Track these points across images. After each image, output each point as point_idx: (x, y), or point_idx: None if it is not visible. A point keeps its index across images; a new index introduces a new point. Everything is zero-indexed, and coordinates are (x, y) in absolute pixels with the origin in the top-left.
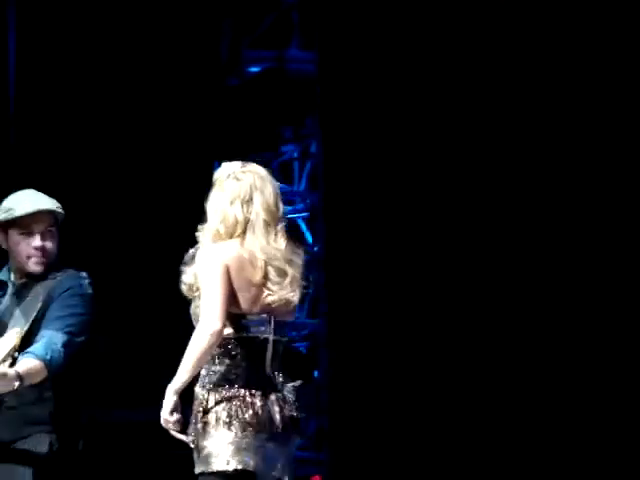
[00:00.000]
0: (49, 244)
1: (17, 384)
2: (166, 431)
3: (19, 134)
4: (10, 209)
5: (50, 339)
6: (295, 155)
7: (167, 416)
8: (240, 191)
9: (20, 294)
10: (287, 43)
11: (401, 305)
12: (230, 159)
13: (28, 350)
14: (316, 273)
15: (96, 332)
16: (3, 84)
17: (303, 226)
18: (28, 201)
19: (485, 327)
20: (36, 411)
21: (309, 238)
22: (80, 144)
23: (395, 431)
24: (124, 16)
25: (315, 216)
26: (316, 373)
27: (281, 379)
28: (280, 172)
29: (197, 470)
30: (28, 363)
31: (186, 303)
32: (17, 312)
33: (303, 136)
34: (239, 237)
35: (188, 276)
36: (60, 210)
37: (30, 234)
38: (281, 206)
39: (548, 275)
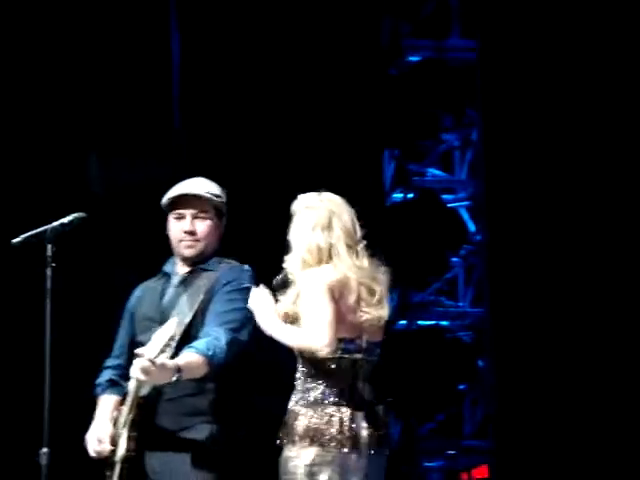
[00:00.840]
0: (200, 228)
1: (175, 377)
2: None
3: (184, 119)
4: (167, 194)
5: (214, 336)
6: (456, 144)
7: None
8: (319, 218)
9: (183, 285)
10: (447, 32)
11: (564, 292)
12: (393, 147)
13: (192, 345)
14: (479, 262)
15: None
16: (167, 68)
17: (465, 215)
18: (183, 186)
19: None
20: (197, 402)
21: (471, 227)
22: (245, 132)
23: (562, 418)
24: (288, 10)
25: (477, 205)
26: (481, 362)
27: (372, 398)
28: (441, 160)
29: None
30: (190, 357)
31: None
32: (180, 303)
33: (464, 124)
34: (327, 263)
35: (283, 304)
36: (214, 197)
37: (181, 218)
38: (358, 228)
39: None
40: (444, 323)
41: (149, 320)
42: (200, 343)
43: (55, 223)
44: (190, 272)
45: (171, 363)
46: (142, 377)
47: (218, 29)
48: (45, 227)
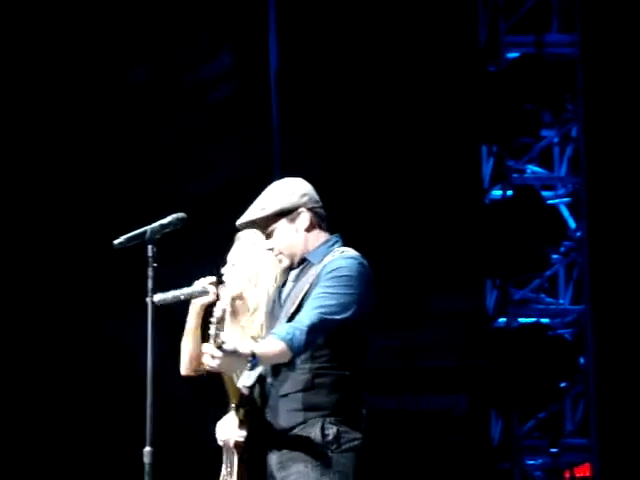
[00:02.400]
0: (275, 243)
1: (250, 364)
2: (440, 420)
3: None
4: None
5: (298, 320)
6: (555, 140)
7: None
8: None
9: (297, 279)
10: (546, 27)
11: None
12: (491, 144)
13: (273, 331)
14: (580, 258)
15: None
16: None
17: (565, 211)
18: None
19: None
20: (310, 397)
21: (572, 223)
22: (345, 130)
23: None
24: (387, 9)
25: (577, 201)
26: (582, 359)
27: None
28: (540, 157)
29: None
30: (267, 343)
31: None
32: (291, 296)
33: (563, 120)
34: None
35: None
36: (261, 215)
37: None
38: None
39: None
40: (545, 320)
41: (272, 315)
42: (281, 329)
43: (155, 224)
44: (302, 266)
45: (245, 349)
46: (211, 364)
47: (318, 32)
48: (145, 228)
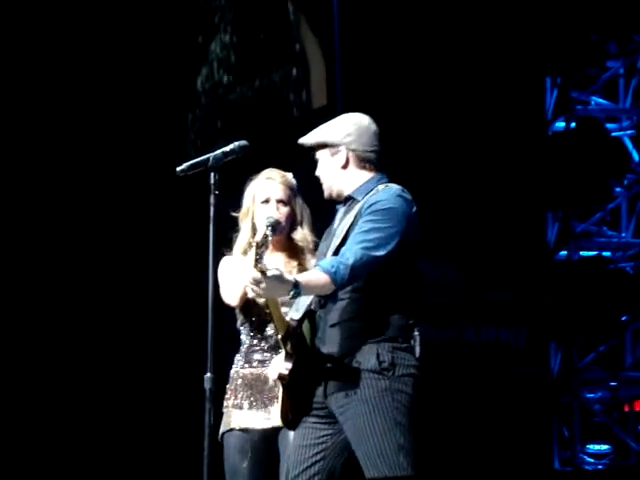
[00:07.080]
0: (320, 173)
1: (293, 292)
2: (499, 352)
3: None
4: None
5: (342, 253)
6: (620, 71)
7: None
8: None
9: (343, 217)
10: None
11: None
12: (555, 75)
13: (318, 263)
14: None
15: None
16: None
17: (629, 144)
18: None
19: None
20: (360, 325)
21: (635, 156)
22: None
23: None
24: None
25: None
26: None
27: None
28: (605, 89)
29: None
30: (312, 274)
31: None
32: (337, 232)
33: (629, 51)
34: None
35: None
36: (311, 140)
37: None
38: None
39: None
40: (606, 254)
41: (322, 254)
42: (325, 261)
43: (217, 151)
44: (347, 204)
45: (289, 277)
46: (254, 288)
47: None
48: (208, 155)
